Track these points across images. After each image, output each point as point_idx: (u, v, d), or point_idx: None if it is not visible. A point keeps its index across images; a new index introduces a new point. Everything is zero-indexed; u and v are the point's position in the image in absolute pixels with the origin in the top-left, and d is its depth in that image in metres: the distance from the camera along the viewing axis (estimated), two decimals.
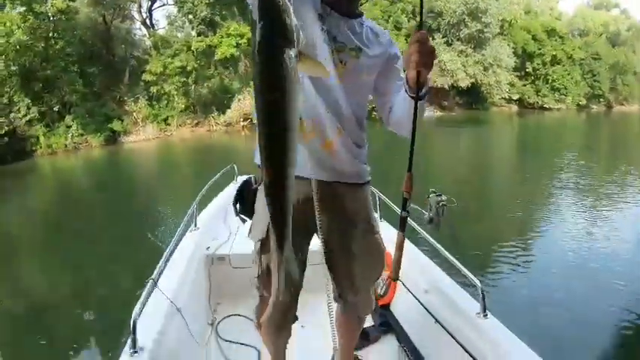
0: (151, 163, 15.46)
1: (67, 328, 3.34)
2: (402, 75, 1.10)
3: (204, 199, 2.48)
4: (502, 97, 24.91)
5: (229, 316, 1.99)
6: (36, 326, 3.38)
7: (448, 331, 1.50)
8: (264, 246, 1.20)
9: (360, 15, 1.17)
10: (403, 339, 1.78)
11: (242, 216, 1.40)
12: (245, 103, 18.41)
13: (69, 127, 19.62)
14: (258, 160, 1.16)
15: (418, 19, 0.95)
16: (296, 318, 1.34)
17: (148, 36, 21.77)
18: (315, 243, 1.29)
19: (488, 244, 4.76)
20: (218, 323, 1.94)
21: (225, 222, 2.45)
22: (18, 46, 18.02)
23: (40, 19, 18.55)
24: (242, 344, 1.80)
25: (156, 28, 22.63)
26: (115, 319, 3.09)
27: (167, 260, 1.76)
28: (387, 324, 1.91)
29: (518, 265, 4.20)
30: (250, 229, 1.29)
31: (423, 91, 1.02)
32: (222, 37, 19.09)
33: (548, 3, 33.41)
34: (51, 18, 18.98)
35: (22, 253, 5.80)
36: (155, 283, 1.53)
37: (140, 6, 22.27)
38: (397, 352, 1.77)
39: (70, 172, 15.85)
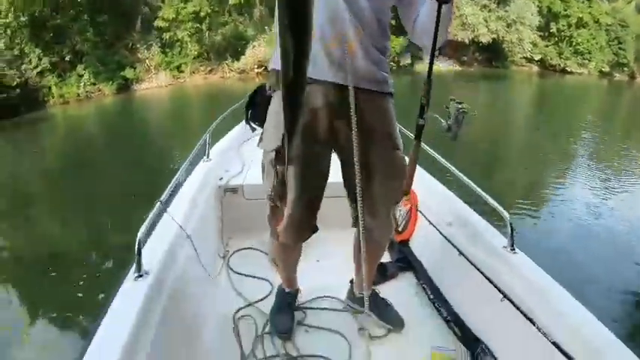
0: (164, 109, 15.47)
1: (78, 268, 3.35)
2: None
3: (218, 132, 2.39)
4: (523, 57, 24.05)
5: (242, 249, 1.93)
6: (48, 266, 3.38)
7: (473, 263, 1.41)
8: (278, 154, 1.14)
9: None
10: (423, 275, 1.71)
11: (252, 124, 1.34)
12: (260, 50, 18.04)
13: (81, 76, 19.55)
14: (275, 65, 1.13)
15: None
16: (316, 228, 1.29)
17: None
18: (336, 175, 1.24)
19: (509, 191, 4.61)
20: (230, 256, 1.87)
21: (239, 154, 2.37)
22: None
23: None
24: (254, 277, 1.74)
25: None
26: (122, 250, 3.09)
27: (176, 187, 1.66)
28: (406, 260, 1.83)
29: (540, 214, 4.13)
30: (261, 138, 1.24)
31: None
32: None
33: None
34: None
35: (36, 199, 5.85)
36: (163, 205, 1.42)
37: None
38: (415, 288, 1.71)
39: (83, 120, 15.91)
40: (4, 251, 4.15)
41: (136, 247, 1.15)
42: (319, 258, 1.82)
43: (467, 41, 20.83)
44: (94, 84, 19.57)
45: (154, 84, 19.23)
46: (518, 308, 1.19)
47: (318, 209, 1.26)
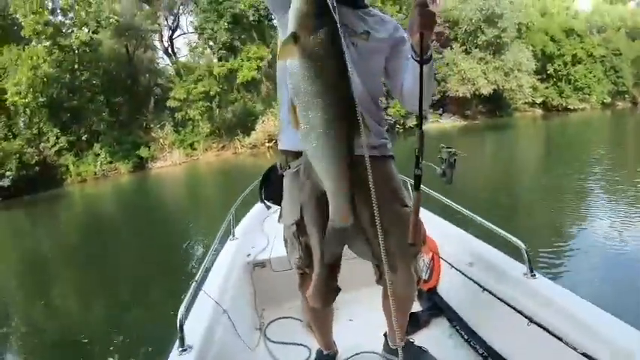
0: (180, 186, 15.78)
1: (102, 349, 3.34)
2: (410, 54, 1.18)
3: (239, 212, 2.53)
4: (525, 102, 24.49)
5: (277, 319, 1.99)
6: (68, 348, 3.42)
7: (497, 296, 1.46)
8: (299, 227, 1.24)
9: (366, 6, 1.27)
10: (454, 318, 1.75)
11: (267, 202, 1.45)
12: (269, 124, 18.65)
13: (97, 155, 20.31)
14: (284, 145, 1.24)
15: None
16: (339, 289, 1.37)
17: (170, 64, 22.40)
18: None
19: (524, 233, 4.65)
20: (266, 327, 1.93)
21: (263, 231, 2.49)
22: (45, 79, 18.80)
23: (65, 51, 19.35)
24: (292, 344, 1.78)
25: (177, 55, 23.30)
26: (153, 334, 3.11)
27: (209, 267, 1.76)
28: (436, 306, 1.88)
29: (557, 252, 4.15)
30: (280, 214, 1.33)
31: (428, 54, 1.09)
32: (242, 60, 19.50)
33: (563, 3, 32.94)
34: (75, 51, 19.68)
35: (54, 277, 5.89)
36: (199, 285, 1.53)
37: (161, 35, 23.04)
38: (449, 331, 1.76)
39: (100, 197, 16.29)
40: (26, 330, 4.07)
41: (178, 323, 1.22)
42: (352, 317, 1.86)
43: (468, 95, 21.38)
44: (111, 162, 20.25)
45: (169, 162, 19.82)
46: (545, 329, 1.22)
47: (338, 272, 1.33)
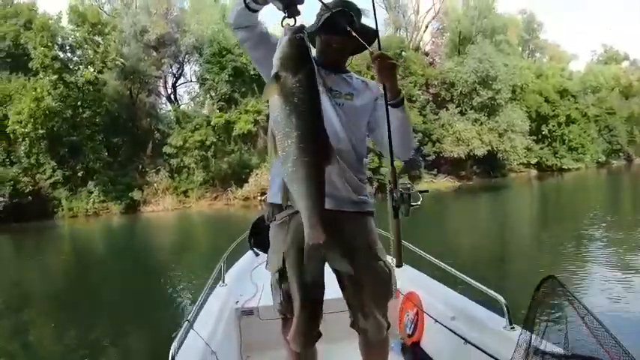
0: (170, 232, 15.65)
1: None
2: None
3: (230, 260, 2.62)
4: (520, 163, 24.76)
5: None
6: None
7: (479, 348, 1.50)
8: (282, 275, 1.33)
9: (348, 71, 1.41)
10: None
11: (255, 249, 1.60)
12: (262, 177, 18.73)
13: (91, 192, 20.30)
14: (271, 199, 1.34)
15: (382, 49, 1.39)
16: (320, 334, 1.43)
17: (172, 110, 22.81)
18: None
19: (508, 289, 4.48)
20: None
21: (252, 279, 2.51)
22: (47, 112, 19.12)
23: (69, 87, 19.79)
24: None
25: (180, 103, 23.79)
26: None
27: (200, 308, 1.83)
28: None
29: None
30: (267, 261, 1.43)
31: (398, 98, 1.25)
32: (240, 113, 19.87)
33: (558, 64, 34.08)
34: (80, 88, 20.13)
35: (35, 309, 5.84)
36: (191, 325, 1.59)
37: (165, 82, 23.64)
38: None
39: (88, 234, 16.14)
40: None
41: (170, 357, 1.30)
42: None
43: (463, 156, 21.63)
44: (103, 202, 20.20)
45: (160, 207, 19.75)
46: None
47: (319, 317, 1.39)
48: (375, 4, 1.44)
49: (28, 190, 19.36)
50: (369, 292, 1.35)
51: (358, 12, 1.34)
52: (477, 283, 1.67)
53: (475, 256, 6.54)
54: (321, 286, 1.38)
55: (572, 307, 1.09)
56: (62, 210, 20.18)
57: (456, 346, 1.68)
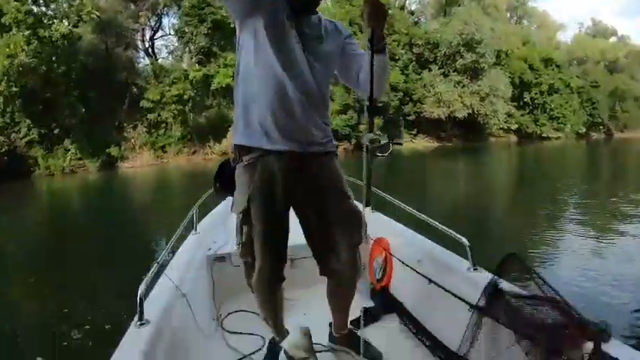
0: (147, 187, 15.50)
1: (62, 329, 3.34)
2: (362, 50, 1.35)
3: (204, 210, 2.59)
4: (500, 128, 24.91)
5: (234, 312, 2.03)
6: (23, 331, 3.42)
7: (443, 288, 1.56)
8: (245, 217, 1.33)
9: (317, 13, 1.38)
10: (404, 313, 1.85)
11: (220, 193, 1.58)
12: None
13: (67, 150, 19.82)
14: (236, 141, 1.33)
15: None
16: (283, 278, 1.44)
17: (149, 64, 22.14)
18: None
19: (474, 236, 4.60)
20: (224, 318, 1.98)
21: (226, 227, 2.49)
22: (21, 68, 18.34)
23: (43, 43, 18.90)
24: (248, 334, 1.83)
25: (157, 56, 23.06)
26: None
27: (171, 253, 1.80)
28: (387, 303, 1.97)
29: None
30: (232, 204, 1.43)
31: (381, 44, 1.25)
32: (219, 67, 19.39)
33: (546, 33, 33.88)
34: (54, 43, 19.29)
35: (11, 269, 5.75)
36: (160, 266, 1.57)
37: (143, 35, 22.79)
38: (398, 327, 1.84)
39: (65, 193, 15.87)
40: None
41: (138, 298, 1.28)
42: (306, 311, 1.95)
43: (443, 117, 21.63)
44: (80, 159, 19.83)
45: (138, 163, 19.44)
46: (486, 314, 1.30)
47: (283, 262, 1.40)
48: None
49: (3, 149, 18.81)
50: (340, 231, 1.35)
51: None
52: (442, 226, 1.71)
53: (446, 210, 6.58)
54: (285, 231, 1.37)
55: (533, 282, 1.16)
56: (39, 169, 19.72)
57: (422, 288, 1.73)
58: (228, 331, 1.86)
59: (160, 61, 22.28)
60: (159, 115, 19.86)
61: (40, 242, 7.04)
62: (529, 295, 1.19)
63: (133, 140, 20.01)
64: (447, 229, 1.67)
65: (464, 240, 1.57)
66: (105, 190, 15.37)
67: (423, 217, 1.85)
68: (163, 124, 19.92)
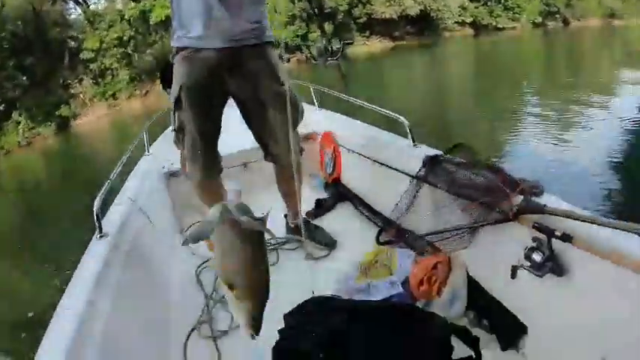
0: (105, 139, 15.15)
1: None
2: None
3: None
4: (455, 22, 24.52)
5: (195, 223, 2.02)
6: None
7: (385, 164, 1.64)
8: (178, 103, 1.35)
9: None
10: (355, 199, 1.90)
11: (168, 90, 1.57)
12: None
13: (18, 123, 18.93)
14: (174, 43, 1.36)
15: None
16: (221, 167, 1.50)
17: (81, 13, 20.79)
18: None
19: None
20: (187, 230, 1.95)
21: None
22: None
23: None
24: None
25: (88, 3, 21.57)
26: None
27: (122, 170, 1.79)
28: (340, 193, 2.02)
29: None
30: (169, 94, 1.46)
31: None
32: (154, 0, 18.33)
33: None
34: None
35: None
36: (112, 183, 1.57)
37: None
38: (351, 212, 1.89)
39: (28, 166, 15.37)
40: None
41: (95, 214, 1.32)
42: (262, 212, 2.02)
43: (395, 17, 21.10)
44: (33, 128, 19.04)
45: (92, 117, 18.81)
46: (430, 184, 1.40)
47: (214, 147, 1.46)
48: None
49: None
50: (276, 114, 1.38)
51: None
52: (382, 109, 1.75)
53: (399, 105, 6.49)
54: (216, 125, 1.40)
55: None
56: None
57: (370, 172, 1.80)
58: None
59: (91, 7, 20.87)
60: (102, 63, 19.00)
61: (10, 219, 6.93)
62: (466, 162, 1.23)
63: (81, 95, 19.21)
64: (385, 111, 1.72)
65: (402, 119, 1.64)
66: (65, 154, 14.96)
67: (363, 103, 1.89)
68: (109, 72, 19.09)
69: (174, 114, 1.39)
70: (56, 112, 18.98)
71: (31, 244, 5.37)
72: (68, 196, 7.11)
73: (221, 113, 1.42)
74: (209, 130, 1.40)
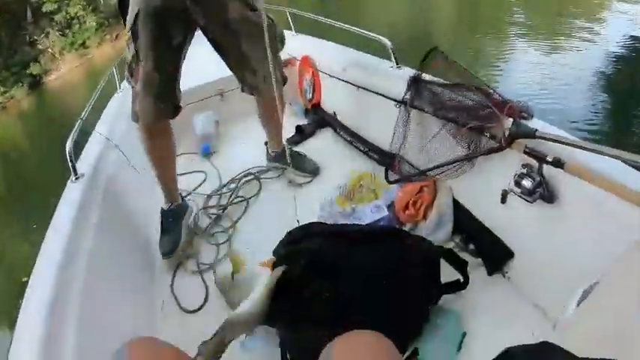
0: (80, 93, 14.77)
1: None
2: None
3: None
4: None
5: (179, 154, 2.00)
6: None
7: (371, 90, 1.55)
8: (134, 33, 1.20)
9: None
10: (337, 124, 1.86)
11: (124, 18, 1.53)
12: None
13: None
14: None
15: None
16: (179, 107, 1.34)
17: None
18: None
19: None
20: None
21: None
22: None
23: None
24: (190, 173, 1.83)
25: None
26: None
27: (94, 109, 1.75)
28: (320, 119, 1.98)
29: None
30: (125, 24, 1.33)
31: None
32: None
33: None
34: None
35: None
36: (83, 122, 1.52)
37: None
38: (333, 138, 1.86)
39: (4, 135, 15.02)
40: None
41: (68, 155, 1.29)
42: (243, 142, 2.02)
43: None
44: (5, 92, 18.53)
45: (64, 70, 18.33)
46: (415, 107, 1.33)
47: (174, 84, 1.30)
48: None
49: None
50: (248, 42, 1.26)
51: None
52: (363, 30, 1.64)
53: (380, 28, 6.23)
54: (177, 52, 1.24)
55: (455, 72, 1.11)
56: None
57: (350, 96, 1.71)
58: None
59: None
60: (67, 12, 18.37)
61: None
62: (452, 83, 1.15)
63: (50, 49, 18.63)
64: (367, 32, 1.62)
65: (384, 40, 1.53)
66: (40, 115, 14.61)
67: (343, 25, 1.80)
68: (75, 21, 18.50)
69: (128, 46, 1.23)
70: (26, 71, 18.46)
71: (21, 210, 5.38)
72: (51, 155, 7.03)
73: (183, 45, 1.25)
74: (167, 64, 1.24)
